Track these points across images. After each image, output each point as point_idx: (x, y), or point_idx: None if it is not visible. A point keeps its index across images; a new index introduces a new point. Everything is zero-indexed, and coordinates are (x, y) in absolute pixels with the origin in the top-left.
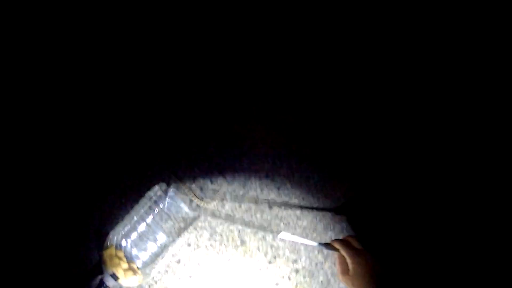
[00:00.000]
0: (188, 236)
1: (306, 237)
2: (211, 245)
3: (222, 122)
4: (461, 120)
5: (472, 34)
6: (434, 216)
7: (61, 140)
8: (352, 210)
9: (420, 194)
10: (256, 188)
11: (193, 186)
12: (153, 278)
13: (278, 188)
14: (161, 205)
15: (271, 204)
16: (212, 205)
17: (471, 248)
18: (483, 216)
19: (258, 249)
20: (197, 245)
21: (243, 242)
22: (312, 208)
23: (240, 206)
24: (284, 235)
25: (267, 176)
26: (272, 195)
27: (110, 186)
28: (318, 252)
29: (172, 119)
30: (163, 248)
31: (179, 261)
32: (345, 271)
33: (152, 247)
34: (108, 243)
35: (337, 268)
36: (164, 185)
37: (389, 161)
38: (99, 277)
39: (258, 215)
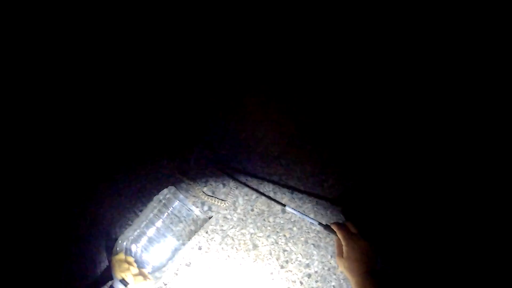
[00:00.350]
0: (199, 239)
1: (320, 241)
2: (222, 249)
3: (235, 125)
4: (459, 116)
5: (472, 34)
6: (433, 214)
7: (69, 145)
8: (364, 211)
9: (420, 192)
10: (269, 192)
11: (205, 189)
12: (163, 282)
13: (292, 192)
14: (170, 208)
15: (284, 208)
16: (224, 208)
17: (465, 243)
18: (474, 207)
19: (270, 253)
20: (208, 249)
21: (255, 246)
22: (326, 212)
23: (252, 210)
24: (289, 209)
25: (280, 180)
26: (285, 199)
27: (119, 190)
28: (330, 257)
29: (183, 121)
30: (174, 251)
31: (189, 265)
32: (340, 253)
33: (162, 251)
34: (117, 248)
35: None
36: (173, 188)
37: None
38: (109, 283)
39: (271, 219)
